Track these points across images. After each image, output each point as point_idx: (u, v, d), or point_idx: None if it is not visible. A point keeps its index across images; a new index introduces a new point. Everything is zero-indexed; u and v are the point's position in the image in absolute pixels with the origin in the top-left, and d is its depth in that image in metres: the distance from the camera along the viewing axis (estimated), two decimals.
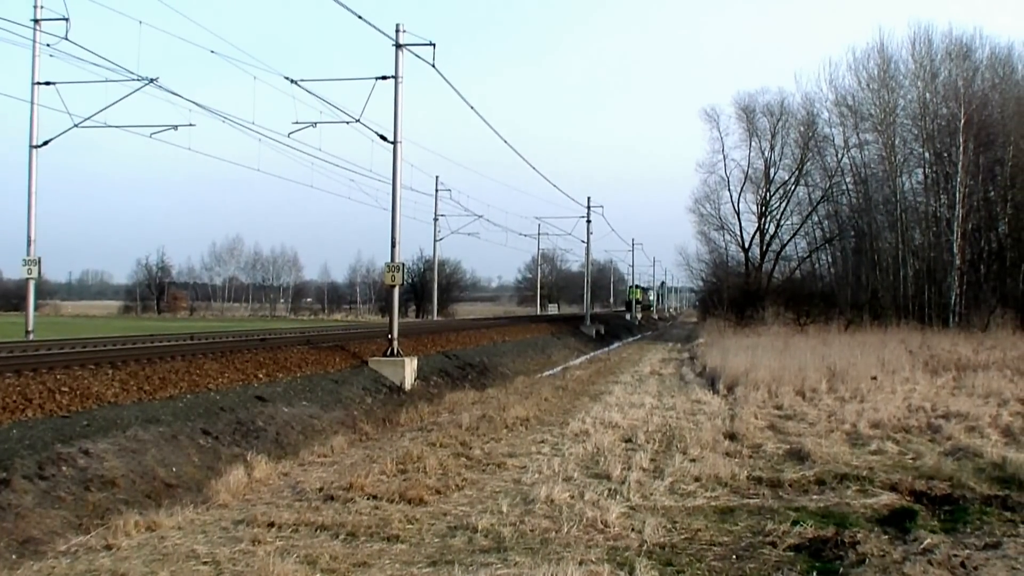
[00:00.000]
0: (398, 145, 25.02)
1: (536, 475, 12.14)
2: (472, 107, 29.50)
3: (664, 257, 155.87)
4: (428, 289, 75.25)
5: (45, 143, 29.67)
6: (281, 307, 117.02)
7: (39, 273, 29.98)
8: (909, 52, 51.19)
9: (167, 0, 23.48)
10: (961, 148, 46.16)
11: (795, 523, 9.40)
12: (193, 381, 17.48)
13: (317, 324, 68.56)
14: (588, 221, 63.91)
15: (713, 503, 10.65)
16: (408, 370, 24.08)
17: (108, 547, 8.89)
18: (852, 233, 56.67)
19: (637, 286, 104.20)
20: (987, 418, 16.61)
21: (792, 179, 62.48)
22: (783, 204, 63.64)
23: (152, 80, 26.23)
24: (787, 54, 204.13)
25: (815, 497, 10.92)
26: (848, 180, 57.62)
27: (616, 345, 56.04)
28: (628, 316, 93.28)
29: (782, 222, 64.07)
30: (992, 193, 49.70)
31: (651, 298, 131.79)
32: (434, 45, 24.75)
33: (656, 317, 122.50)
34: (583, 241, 66.02)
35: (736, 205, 65.06)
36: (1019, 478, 11.53)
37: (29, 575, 8.18)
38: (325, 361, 23.26)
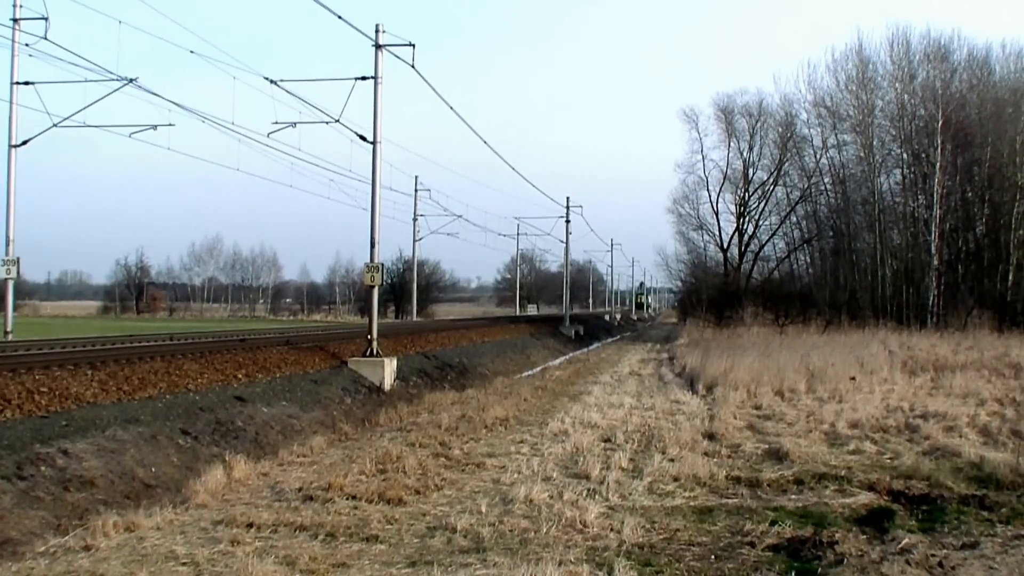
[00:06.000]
0: (377, 145, 25.04)
1: (515, 475, 12.12)
2: (451, 107, 29.52)
3: (643, 257, 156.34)
4: (407, 289, 75.02)
5: (24, 143, 29.51)
6: (261, 308, 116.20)
7: (18, 273, 29.83)
8: (887, 53, 51.48)
9: (147, 0, 23.34)
10: (939, 149, 46.45)
11: (773, 523, 9.43)
12: (172, 381, 17.41)
13: (296, 325, 68.38)
14: (567, 221, 64.10)
15: (692, 503, 10.67)
16: (387, 370, 24.06)
17: (87, 548, 8.83)
18: (830, 233, 56.83)
19: (640, 292, 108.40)
20: (965, 418, 16.64)
21: (771, 179, 62.73)
22: (762, 204, 63.92)
23: (131, 80, 26.15)
24: (766, 55, 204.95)
25: (793, 497, 10.96)
26: (826, 180, 57.84)
27: (595, 346, 56.13)
28: (642, 315, 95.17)
29: (761, 222, 64.34)
30: (970, 194, 50.03)
31: (647, 300, 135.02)
32: (414, 46, 24.87)
33: (635, 318, 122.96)
34: (562, 241, 66.28)
35: (715, 205, 65.35)
36: (996, 478, 11.59)
37: None
38: (304, 361, 23.19)
